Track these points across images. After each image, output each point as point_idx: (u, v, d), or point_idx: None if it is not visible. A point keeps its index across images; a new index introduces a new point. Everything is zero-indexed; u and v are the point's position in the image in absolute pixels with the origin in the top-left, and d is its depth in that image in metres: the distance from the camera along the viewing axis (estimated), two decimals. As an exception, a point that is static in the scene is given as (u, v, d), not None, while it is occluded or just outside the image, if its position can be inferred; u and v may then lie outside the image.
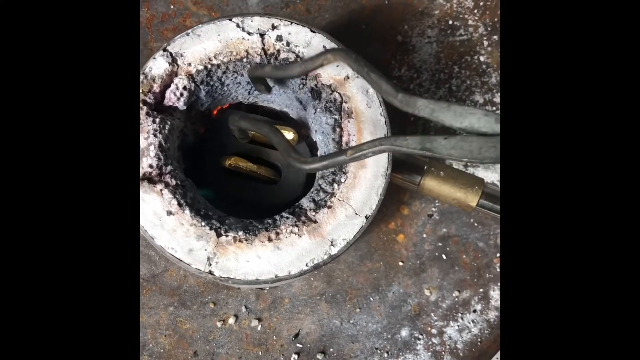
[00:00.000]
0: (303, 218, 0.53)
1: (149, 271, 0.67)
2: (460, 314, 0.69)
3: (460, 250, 0.70)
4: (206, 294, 0.67)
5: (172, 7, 0.72)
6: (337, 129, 0.55)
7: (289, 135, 0.60)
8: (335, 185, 0.53)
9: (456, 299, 0.69)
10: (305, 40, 0.55)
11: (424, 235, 0.71)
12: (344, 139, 0.55)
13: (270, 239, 0.52)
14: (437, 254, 0.70)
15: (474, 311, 0.69)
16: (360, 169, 0.54)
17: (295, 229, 0.52)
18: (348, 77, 0.55)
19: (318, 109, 0.56)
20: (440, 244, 0.71)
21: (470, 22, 0.74)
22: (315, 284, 0.69)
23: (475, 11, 0.74)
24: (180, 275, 0.67)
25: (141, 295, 0.66)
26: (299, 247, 0.52)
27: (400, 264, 0.70)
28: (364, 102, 0.55)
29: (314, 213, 0.53)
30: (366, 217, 0.53)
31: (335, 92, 0.55)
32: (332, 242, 0.52)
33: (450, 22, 0.74)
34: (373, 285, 0.69)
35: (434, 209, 0.71)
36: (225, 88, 0.57)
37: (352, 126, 0.54)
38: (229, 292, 0.67)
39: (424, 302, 0.69)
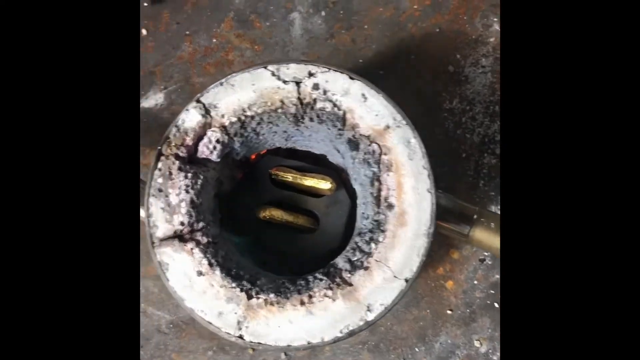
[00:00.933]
0: (338, 280, 0.50)
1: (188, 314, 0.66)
2: (513, 368, 0.64)
3: (515, 298, 0.65)
4: (245, 339, 0.66)
5: (214, 40, 0.71)
6: (376, 183, 0.51)
7: (326, 184, 0.57)
8: (373, 245, 0.50)
9: (509, 352, 0.65)
10: (343, 88, 0.52)
11: (475, 282, 0.66)
12: (383, 193, 0.51)
13: (302, 303, 0.49)
14: (488, 302, 0.66)
15: (529, 365, 0.64)
16: (400, 228, 0.50)
17: (329, 292, 0.49)
18: (388, 127, 0.51)
19: (356, 160, 0.52)
20: (492, 292, 0.66)
21: (529, 49, 0.68)
22: (357, 332, 0.66)
23: (536, 38, 0.68)
24: (219, 319, 0.66)
25: (180, 338, 0.65)
26: (333, 312, 0.49)
27: (449, 312, 0.66)
28: (405, 154, 0.51)
29: (349, 275, 0.50)
30: (406, 281, 0.49)
31: (374, 143, 0.51)
32: (368, 308, 0.49)
33: (508, 50, 0.68)
34: (419, 335, 0.65)
35: (486, 254, 0.66)
36: (260, 137, 0.54)
37: (391, 180, 0.51)
38: (268, 338, 0.66)
39: (473, 354, 0.65)
